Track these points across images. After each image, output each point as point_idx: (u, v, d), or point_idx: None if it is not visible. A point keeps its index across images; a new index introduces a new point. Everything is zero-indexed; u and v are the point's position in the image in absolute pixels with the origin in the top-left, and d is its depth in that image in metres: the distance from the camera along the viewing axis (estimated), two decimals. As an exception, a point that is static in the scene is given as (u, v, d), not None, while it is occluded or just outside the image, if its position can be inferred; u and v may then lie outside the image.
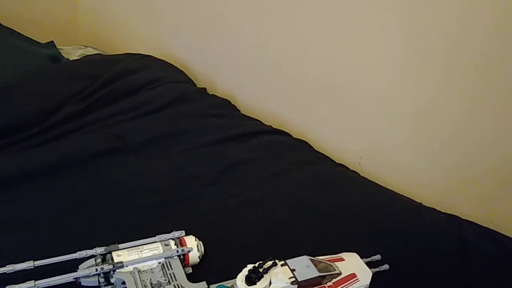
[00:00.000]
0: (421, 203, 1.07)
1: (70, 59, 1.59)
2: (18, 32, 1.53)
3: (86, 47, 1.78)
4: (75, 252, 0.74)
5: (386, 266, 0.82)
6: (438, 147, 1.13)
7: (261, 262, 0.70)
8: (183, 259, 0.77)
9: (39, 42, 1.57)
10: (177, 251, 0.76)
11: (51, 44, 1.61)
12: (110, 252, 0.74)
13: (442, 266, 0.89)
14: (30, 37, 1.56)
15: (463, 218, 1.03)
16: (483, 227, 1.01)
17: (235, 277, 0.69)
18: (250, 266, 0.70)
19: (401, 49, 1.10)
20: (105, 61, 1.50)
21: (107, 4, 1.91)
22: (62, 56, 1.58)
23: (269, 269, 0.69)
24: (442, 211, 1.05)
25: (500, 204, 1.07)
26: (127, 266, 0.72)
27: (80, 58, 1.58)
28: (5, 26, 1.53)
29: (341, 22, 1.19)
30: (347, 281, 0.74)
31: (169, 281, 0.72)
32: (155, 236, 0.79)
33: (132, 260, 0.73)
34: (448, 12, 1.00)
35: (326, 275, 0.72)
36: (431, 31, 1.04)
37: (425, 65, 1.07)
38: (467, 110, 1.05)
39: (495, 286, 0.86)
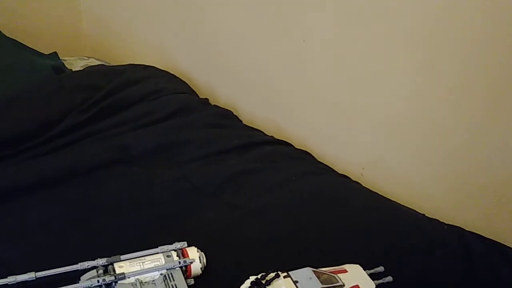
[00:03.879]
0: (424, 214, 1.07)
1: (73, 70, 1.59)
2: (22, 43, 1.54)
3: (89, 58, 1.79)
4: (77, 263, 0.73)
5: (389, 278, 0.81)
6: (441, 159, 1.12)
7: (263, 273, 0.70)
8: (185, 270, 0.76)
9: (42, 53, 1.58)
10: (179, 263, 0.76)
11: (54, 55, 1.62)
12: (112, 263, 0.74)
13: (446, 277, 0.88)
14: (34, 48, 1.57)
15: (466, 229, 1.02)
16: (487, 239, 1.00)
17: (238, 289, 0.69)
18: (252, 278, 0.69)
19: (403, 61, 1.10)
20: (108, 71, 1.51)
21: (110, 16, 1.93)
22: (65, 67, 1.59)
23: (271, 281, 0.69)
24: (445, 222, 1.05)
25: (504, 217, 1.06)
26: (129, 277, 0.72)
27: (83, 69, 1.59)
28: (9, 37, 1.54)
29: (343, 33, 1.20)
30: (350, 293, 0.74)
31: (171, 293, 0.71)
32: (157, 247, 0.78)
33: (134, 271, 0.73)
34: (449, 26, 1.01)
35: (329, 287, 0.72)
36: (439, 44, 1.04)
37: (426, 77, 1.07)
38: (469, 123, 1.04)
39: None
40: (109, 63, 1.75)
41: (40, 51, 1.58)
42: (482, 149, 1.04)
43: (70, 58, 1.72)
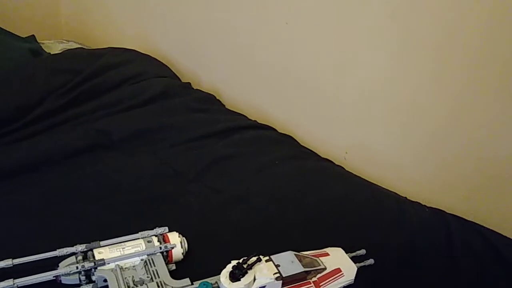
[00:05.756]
0: (406, 198, 1.08)
1: (52, 53, 1.55)
2: (-2, 26, 1.50)
3: (68, 41, 1.75)
4: (55, 249, 0.72)
5: (371, 261, 0.82)
6: (423, 143, 1.13)
7: (245, 258, 0.69)
8: (166, 255, 0.76)
9: (19, 36, 1.54)
10: (160, 248, 0.75)
11: (32, 38, 1.58)
12: (91, 250, 0.73)
13: (428, 260, 0.89)
14: (11, 31, 1.52)
15: (448, 212, 1.03)
16: (468, 221, 1.02)
17: (219, 274, 0.68)
18: (234, 262, 0.69)
19: (388, 46, 1.10)
20: (88, 55, 1.48)
21: (89, -3, 1.88)
22: (43, 50, 1.55)
23: (253, 265, 0.68)
24: (427, 205, 1.05)
25: (484, 200, 1.07)
26: (108, 263, 0.71)
27: (61, 52, 1.55)
28: (-16, 20, 1.50)
29: (328, 16, 1.18)
30: (332, 276, 0.74)
31: (151, 278, 0.71)
32: (137, 232, 0.77)
33: (114, 257, 0.72)
34: (437, 5, 1.00)
35: (311, 270, 0.72)
36: (420, 25, 1.03)
37: (412, 62, 1.07)
38: (454, 108, 1.04)
39: (481, 279, 0.86)
40: (89, 47, 1.71)
41: (17, 34, 1.54)
42: (464, 132, 1.05)
43: (48, 41, 1.68)
